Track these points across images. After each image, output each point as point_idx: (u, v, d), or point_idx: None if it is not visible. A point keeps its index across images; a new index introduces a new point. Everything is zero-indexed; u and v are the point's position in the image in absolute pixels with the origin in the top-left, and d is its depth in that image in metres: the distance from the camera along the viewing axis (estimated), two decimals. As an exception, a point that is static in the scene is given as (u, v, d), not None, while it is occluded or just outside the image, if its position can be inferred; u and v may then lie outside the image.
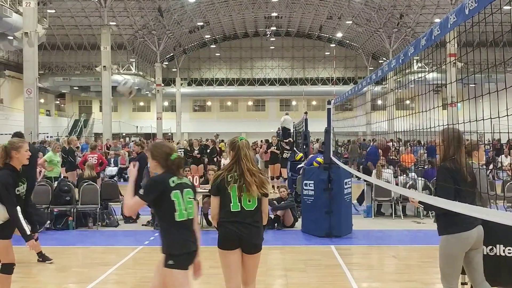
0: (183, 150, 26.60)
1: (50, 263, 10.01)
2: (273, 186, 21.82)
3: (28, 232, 6.52)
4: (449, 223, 5.63)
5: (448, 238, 5.71)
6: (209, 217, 13.71)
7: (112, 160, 29.17)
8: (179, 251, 5.23)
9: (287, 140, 23.32)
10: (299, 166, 18.19)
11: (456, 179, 5.67)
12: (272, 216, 13.89)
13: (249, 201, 5.86)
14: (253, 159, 6.05)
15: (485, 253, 6.09)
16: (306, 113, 22.21)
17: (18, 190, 6.91)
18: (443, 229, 5.76)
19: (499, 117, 4.97)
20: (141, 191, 5.21)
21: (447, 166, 5.77)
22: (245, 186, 5.81)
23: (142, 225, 14.48)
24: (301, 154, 20.39)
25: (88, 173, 15.47)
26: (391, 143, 27.60)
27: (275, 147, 22.39)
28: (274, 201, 14.04)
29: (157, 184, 5.28)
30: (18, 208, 6.74)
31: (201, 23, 62.72)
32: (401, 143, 29.45)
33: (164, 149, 5.45)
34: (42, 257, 10.09)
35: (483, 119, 5.03)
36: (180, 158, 5.44)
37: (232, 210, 5.82)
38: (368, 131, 39.91)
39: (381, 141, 19.96)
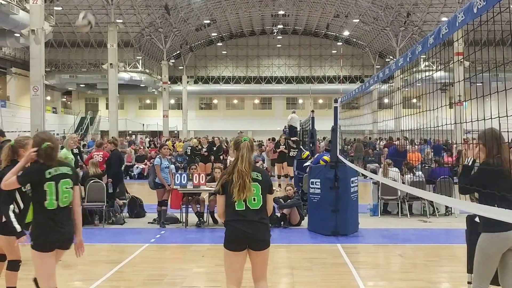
0: (190, 148, 26.64)
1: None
2: (279, 185, 21.82)
3: (19, 229, 6.40)
4: (489, 221, 5.52)
5: (486, 236, 5.60)
6: (215, 215, 13.74)
7: (118, 157, 29.18)
8: (39, 235, 5.88)
9: (294, 139, 23.30)
10: (305, 164, 18.18)
11: (499, 177, 5.56)
12: (279, 215, 13.91)
13: (254, 200, 5.90)
14: (251, 160, 6.06)
15: None
16: (312, 111, 22.14)
17: (24, 188, 6.55)
18: (483, 227, 5.64)
19: (507, 115, 4.93)
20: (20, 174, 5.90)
21: (490, 165, 5.59)
22: (239, 184, 5.86)
23: (148, 223, 14.50)
24: (307, 153, 20.37)
25: (93, 171, 15.48)
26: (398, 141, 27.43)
27: (284, 145, 22.36)
28: (281, 200, 14.05)
29: (32, 174, 5.94)
30: (12, 206, 6.52)
31: (208, 21, 62.72)
32: (407, 141, 29.38)
33: (37, 139, 6.04)
34: None
35: (491, 118, 5.01)
36: (50, 147, 5.93)
37: (237, 209, 5.85)
38: (374, 130, 39.90)
39: (401, 141, 19.67)
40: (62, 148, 15.90)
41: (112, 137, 17.98)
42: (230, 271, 5.91)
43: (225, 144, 30.19)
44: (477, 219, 5.96)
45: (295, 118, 27.14)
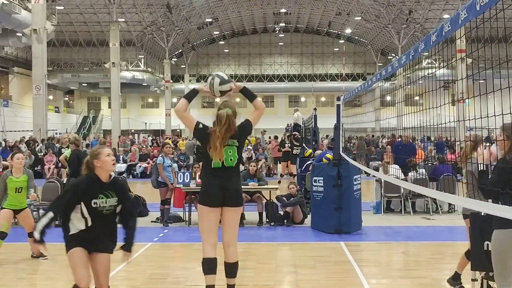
0: (196, 146, 26.70)
1: (45, 259, 10.01)
2: (279, 182, 21.82)
3: (38, 238, 5.94)
4: (502, 217, 5.45)
5: (500, 233, 5.49)
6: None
7: (121, 156, 29.25)
8: None
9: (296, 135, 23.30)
10: (307, 163, 18.18)
11: None
12: (282, 213, 13.91)
13: (230, 160, 6.48)
14: (233, 125, 6.66)
15: None
16: (315, 109, 22.13)
17: (95, 203, 6.09)
18: (496, 223, 5.52)
19: (511, 113, 4.92)
20: None
21: (508, 162, 5.42)
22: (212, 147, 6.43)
23: (151, 221, 14.50)
24: (310, 151, 20.36)
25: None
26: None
27: (289, 144, 22.39)
28: (284, 198, 14.05)
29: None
30: (51, 214, 5.93)
31: (210, 20, 62.72)
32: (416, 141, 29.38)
33: None
34: (37, 254, 10.08)
35: (495, 115, 4.99)
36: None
37: (213, 166, 6.42)
38: (377, 128, 39.87)
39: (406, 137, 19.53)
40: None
41: (74, 137, 17.81)
42: (206, 229, 6.37)
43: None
44: (483, 213, 5.87)
45: (300, 116, 27.16)
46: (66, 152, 17.32)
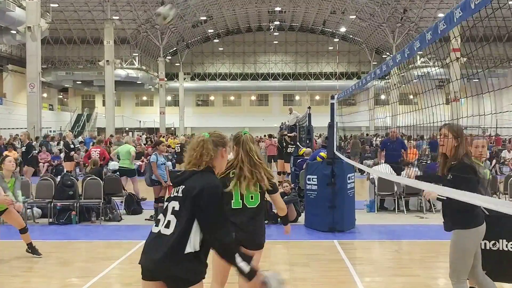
0: (179, 145, 26.74)
1: (39, 257, 10.02)
2: (279, 182, 21.81)
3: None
4: (468, 217, 5.59)
5: (464, 233, 5.65)
6: None
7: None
8: None
9: (291, 134, 23.30)
10: (298, 161, 18.22)
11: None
12: (275, 211, 13.90)
13: (252, 198, 5.74)
14: (259, 153, 5.90)
15: (488, 247, 6.10)
16: (309, 107, 22.17)
17: None
18: (459, 224, 5.69)
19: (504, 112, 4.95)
20: None
21: None
22: (243, 181, 5.67)
23: (145, 219, 14.49)
24: (304, 149, 20.38)
25: (90, 168, 15.50)
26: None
27: (283, 143, 22.41)
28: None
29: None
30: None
31: (204, 18, 62.67)
32: (405, 137, 29.42)
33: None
34: (31, 249, 10.08)
35: (491, 114, 5.01)
36: None
37: (233, 207, 5.70)
38: (371, 126, 39.92)
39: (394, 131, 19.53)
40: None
41: (27, 131, 18.50)
42: (217, 271, 5.83)
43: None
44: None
45: (296, 115, 27.20)
46: (119, 148, 18.17)
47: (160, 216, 4.31)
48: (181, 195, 4.24)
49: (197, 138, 4.53)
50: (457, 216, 5.68)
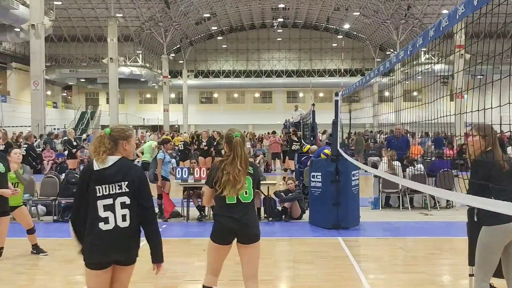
0: (183, 143, 26.75)
1: (45, 255, 10.03)
2: (284, 178, 21.79)
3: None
4: (489, 214, 5.52)
5: (487, 230, 5.57)
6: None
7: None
8: None
9: (298, 132, 23.33)
10: (303, 158, 18.22)
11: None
12: (280, 208, 13.92)
13: (246, 193, 5.95)
14: (247, 158, 6.04)
15: None
16: (313, 105, 22.15)
17: None
18: (483, 220, 5.60)
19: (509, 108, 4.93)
20: None
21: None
22: (228, 186, 5.84)
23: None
24: (308, 146, 20.38)
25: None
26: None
27: (287, 140, 22.41)
28: (282, 193, 14.07)
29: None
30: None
31: (208, 15, 62.66)
32: (409, 134, 29.37)
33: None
34: (36, 249, 10.09)
35: (489, 108, 4.99)
36: None
37: (228, 202, 5.89)
38: (375, 123, 39.88)
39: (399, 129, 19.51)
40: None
41: (4, 130, 18.74)
42: (212, 262, 6.00)
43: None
44: (475, 217, 5.92)
45: (301, 112, 27.19)
46: (144, 145, 19.52)
47: (108, 213, 4.86)
48: (127, 190, 4.87)
49: (97, 134, 5.11)
50: (483, 213, 5.62)
